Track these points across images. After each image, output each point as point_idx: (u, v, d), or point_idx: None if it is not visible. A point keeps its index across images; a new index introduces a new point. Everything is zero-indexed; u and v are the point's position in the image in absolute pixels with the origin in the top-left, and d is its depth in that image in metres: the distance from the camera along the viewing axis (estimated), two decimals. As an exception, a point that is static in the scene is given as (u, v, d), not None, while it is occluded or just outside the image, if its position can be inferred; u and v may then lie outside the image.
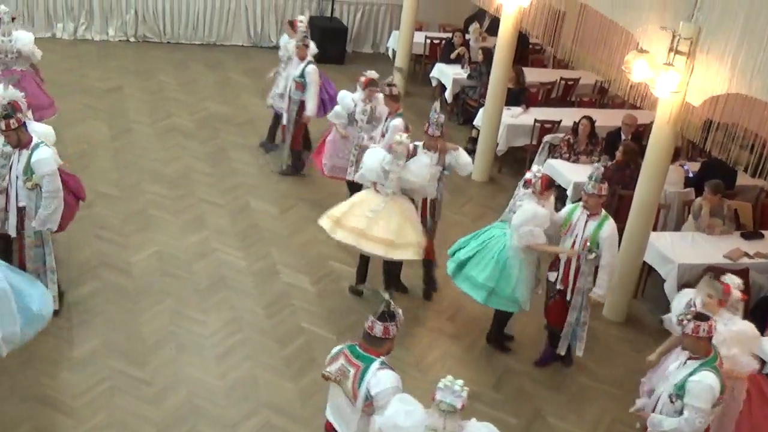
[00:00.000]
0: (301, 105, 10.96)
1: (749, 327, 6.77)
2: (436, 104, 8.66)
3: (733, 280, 6.80)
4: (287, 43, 11.65)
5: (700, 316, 6.03)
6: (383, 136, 9.40)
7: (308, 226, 10.20)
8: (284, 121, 11.25)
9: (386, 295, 5.34)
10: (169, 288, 8.69)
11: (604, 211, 7.74)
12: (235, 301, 8.65)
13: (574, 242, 7.76)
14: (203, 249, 9.45)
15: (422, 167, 8.34)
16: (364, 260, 8.84)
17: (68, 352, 7.57)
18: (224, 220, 10.12)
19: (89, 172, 10.63)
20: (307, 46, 10.94)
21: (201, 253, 9.38)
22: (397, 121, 9.27)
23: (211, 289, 8.79)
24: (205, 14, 16.04)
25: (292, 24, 11.69)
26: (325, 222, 8.51)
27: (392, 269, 8.91)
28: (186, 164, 11.32)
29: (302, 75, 10.83)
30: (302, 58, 10.93)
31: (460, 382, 4.84)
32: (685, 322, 6.05)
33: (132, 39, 15.75)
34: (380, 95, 9.84)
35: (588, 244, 7.64)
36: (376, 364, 5.21)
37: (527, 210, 7.71)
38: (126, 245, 9.30)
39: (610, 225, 7.66)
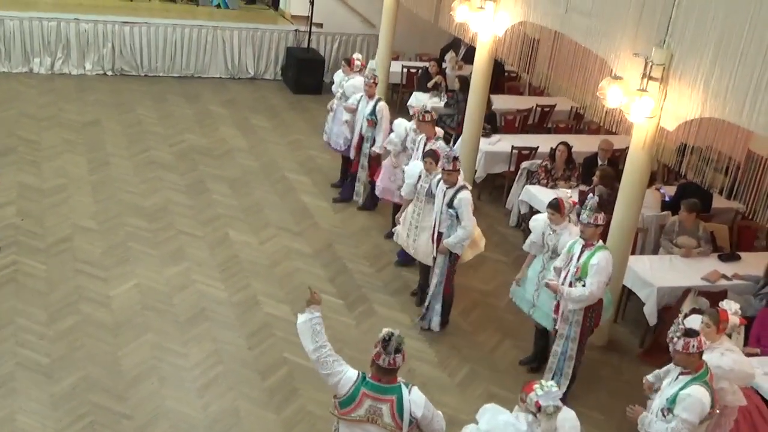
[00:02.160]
0: (374, 141, 11.19)
1: (743, 365, 6.65)
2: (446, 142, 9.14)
3: (730, 306, 6.76)
4: (342, 80, 11.80)
5: (689, 333, 6.07)
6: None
7: (289, 256, 10.22)
8: (351, 156, 11.54)
9: (397, 330, 5.37)
10: (149, 321, 8.64)
11: (601, 242, 7.74)
12: (216, 332, 8.62)
13: (567, 272, 7.74)
14: (183, 281, 9.42)
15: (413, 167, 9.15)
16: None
17: (49, 387, 7.50)
18: (204, 251, 10.09)
19: (68, 205, 10.61)
20: (376, 84, 11.13)
21: (181, 285, 9.34)
22: (440, 144, 9.72)
23: (191, 321, 8.75)
24: (182, 47, 16.08)
25: (348, 62, 11.89)
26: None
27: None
28: (165, 196, 11.31)
29: (373, 112, 11.03)
30: (371, 96, 11.14)
31: (551, 382, 5.34)
32: (675, 339, 6.08)
33: (109, 72, 15.75)
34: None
35: (579, 272, 7.61)
36: (405, 390, 5.30)
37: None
38: (106, 279, 9.25)
39: (603, 254, 7.60)
